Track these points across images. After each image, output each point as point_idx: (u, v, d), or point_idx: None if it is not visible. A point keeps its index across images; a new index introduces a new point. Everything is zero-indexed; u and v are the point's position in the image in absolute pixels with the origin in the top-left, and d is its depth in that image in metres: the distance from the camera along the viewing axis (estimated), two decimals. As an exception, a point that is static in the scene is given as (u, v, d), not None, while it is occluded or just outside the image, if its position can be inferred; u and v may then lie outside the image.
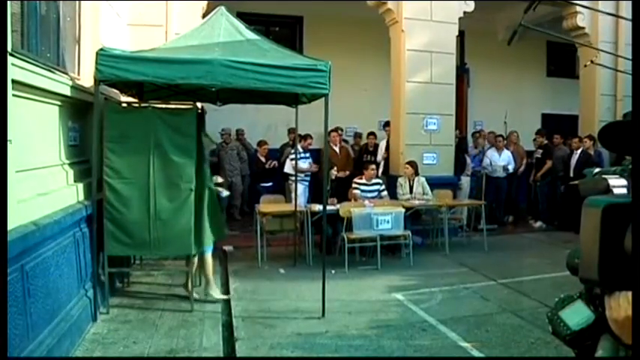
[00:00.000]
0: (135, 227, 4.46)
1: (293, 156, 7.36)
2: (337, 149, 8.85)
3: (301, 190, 7.96)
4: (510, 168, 9.05)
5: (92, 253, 4.31)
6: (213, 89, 5.04)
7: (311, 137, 8.42)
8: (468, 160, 8.90)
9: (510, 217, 9.54)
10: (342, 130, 9.81)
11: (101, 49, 4.23)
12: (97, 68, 4.14)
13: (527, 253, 7.24)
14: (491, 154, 9.18)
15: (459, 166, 8.55)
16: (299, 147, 8.11)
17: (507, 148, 9.34)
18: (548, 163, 9.04)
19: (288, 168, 8.16)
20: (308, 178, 8.38)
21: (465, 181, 8.70)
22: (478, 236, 7.76)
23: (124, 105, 5.10)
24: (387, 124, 8.96)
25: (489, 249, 7.30)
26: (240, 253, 6.86)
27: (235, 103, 6.43)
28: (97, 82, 4.23)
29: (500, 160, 9.09)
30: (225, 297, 5.05)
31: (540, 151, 9.23)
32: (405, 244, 6.64)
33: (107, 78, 4.23)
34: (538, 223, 9.21)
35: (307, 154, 8.47)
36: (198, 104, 5.06)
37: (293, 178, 7.30)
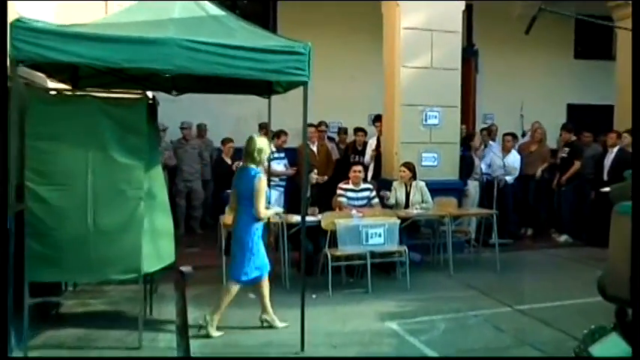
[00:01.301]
0: (68, 245, 4.36)
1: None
2: (315, 148, 8.89)
3: (275, 197, 7.94)
4: (509, 179, 9.08)
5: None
6: (168, 75, 4.98)
7: (285, 134, 8.44)
8: (477, 160, 8.95)
9: (529, 230, 9.60)
10: (326, 125, 9.81)
11: (17, 20, 4.01)
12: (12, 45, 3.93)
13: (549, 273, 7.32)
14: (492, 154, 9.26)
15: (465, 168, 8.60)
16: (272, 146, 8.08)
17: (518, 150, 9.48)
18: (577, 164, 9.03)
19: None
20: (283, 183, 8.37)
21: (473, 186, 8.72)
22: (489, 252, 7.80)
23: (53, 93, 4.96)
24: (377, 118, 9.03)
25: (503, 268, 7.34)
26: (201, 275, 6.68)
27: (196, 93, 6.40)
28: (14, 62, 4.02)
29: (504, 162, 9.15)
30: (285, 324, 5.16)
31: (567, 149, 9.21)
32: (400, 263, 6.64)
33: (28, 58, 4.04)
34: (563, 237, 9.26)
35: (282, 155, 8.44)
36: (149, 94, 4.99)
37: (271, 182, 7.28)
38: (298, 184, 7.93)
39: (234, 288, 5.06)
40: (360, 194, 7.19)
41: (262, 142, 5.08)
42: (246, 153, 5.06)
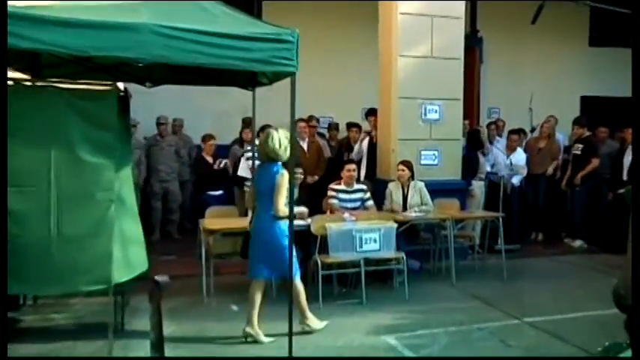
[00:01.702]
0: (29, 254, 4.30)
1: (250, 154, 7.31)
2: (305, 145, 8.88)
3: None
4: (516, 180, 9.10)
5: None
6: (141, 65, 4.93)
7: (273, 127, 8.34)
8: (482, 159, 8.95)
9: (540, 235, 9.62)
10: (317, 120, 9.79)
11: (-35, 1, 4.00)
12: (-44, 27, 3.93)
13: (561, 282, 7.33)
14: (497, 152, 9.28)
15: (470, 167, 8.61)
16: (257, 142, 8.06)
17: (525, 147, 9.52)
18: (594, 162, 9.00)
19: (243, 170, 8.13)
20: None
21: (478, 186, 8.73)
22: (495, 259, 7.84)
23: (11, 84, 4.80)
24: (370, 111, 9.03)
25: (510, 276, 7.36)
26: (178, 285, 6.66)
27: (172, 85, 6.36)
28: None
29: (510, 160, 9.17)
30: (323, 324, 5.44)
31: (580, 146, 9.18)
32: (398, 271, 6.65)
33: (-22, 43, 4.04)
34: (577, 242, 9.27)
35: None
36: (120, 85, 4.95)
37: (249, 183, 7.23)
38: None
39: (300, 284, 5.32)
40: (353, 195, 7.19)
41: (283, 137, 5.21)
42: (267, 150, 5.21)
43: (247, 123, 8.59)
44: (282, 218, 5.12)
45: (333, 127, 10.39)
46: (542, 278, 7.55)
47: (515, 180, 9.10)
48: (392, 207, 7.40)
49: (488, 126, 10.21)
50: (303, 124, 8.76)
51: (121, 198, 4.67)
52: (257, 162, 6.55)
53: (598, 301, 5.68)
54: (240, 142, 9.23)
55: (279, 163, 5.22)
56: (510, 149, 9.27)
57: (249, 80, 5.98)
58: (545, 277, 7.59)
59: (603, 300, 4.86)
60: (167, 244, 8.98)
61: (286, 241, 5.07)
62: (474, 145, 8.90)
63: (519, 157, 9.24)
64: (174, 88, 6.78)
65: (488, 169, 9.07)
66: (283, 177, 5.10)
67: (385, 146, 8.29)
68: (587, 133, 9.32)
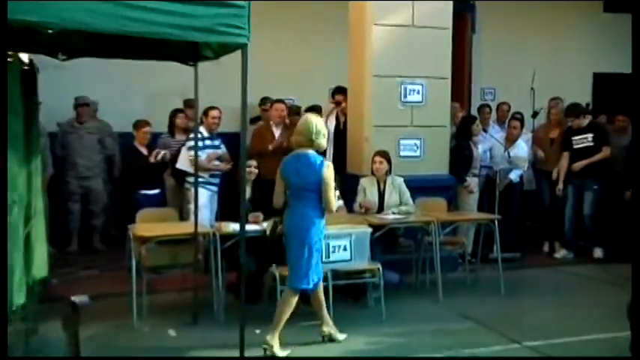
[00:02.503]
0: None
1: (192, 143, 7.25)
2: (278, 133, 8.83)
3: (205, 199, 7.87)
4: (514, 176, 9.18)
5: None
6: (52, 32, 4.86)
7: (218, 110, 8.37)
8: (476, 150, 8.89)
9: (546, 245, 9.70)
10: (281, 102, 9.74)
11: None
12: None
13: (569, 299, 7.37)
14: (493, 141, 9.31)
15: (461, 160, 8.60)
16: (202, 129, 7.97)
17: (535, 141, 9.58)
18: (605, 151, 9.01)
19: (183, 163, 8.09)
20: (216, 181, 8.28)
21: (472, 183, 8.71)
22: (490, 270, 7.89)
23: None
24: (338, 90, 9.03)
25: (508, 291, 7.42)
26: (101, 306, 6.57)
27: (93, 57, 6.24)
28: None
29: (508, 152, 9.18)
30: (343, 336, 5.84)
31: (589, 135, 9.13)
32: (373, 285, 6.67)
33: None
34: (598, 253, 9.27)
35: (217, 142, 8.35)
36: (24, 56, 4.85)
37: (191, 179, 7.25)
38: (239, 182, 7.85)
39: (294, 298, 5.62)
40: None
41: (321, 123, 5.70)
42: (304, 137, 5.63)
43: (189, 106, 8.54)
44: (331, 213, 5.73)
45: (293, 111, 10.33)
46: (546, 293, 7.63)
47: (514, 175, 9.15)
48: (364, 204, 7.42)
49: (480, 109, 10.34)
50: (281, 106, 8.85)
51: (24, 199, 4.59)
52: (202, 154, 6.50)
53: (613, 320, 5.81)
54: (171, 129, 9.15)
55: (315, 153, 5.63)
56: (510, 140, 9.22)
57: (190, 53, 5.94)
58: (551, 292, 7.68)
59: (619, 319, 4.95)
60: (88, 256, 8.88)
61: (320, 243, 5.65)
62: (464, 133, 8.92)
63: (520, 148, 9.26)
64: (95, 63, 6.70)
65: (485, 161, 9.16)
66: (330, 169, 5.59)
67: (357, 134, 8.31)
68: (589, 119, 9.30)
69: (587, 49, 12.31)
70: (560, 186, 9.19)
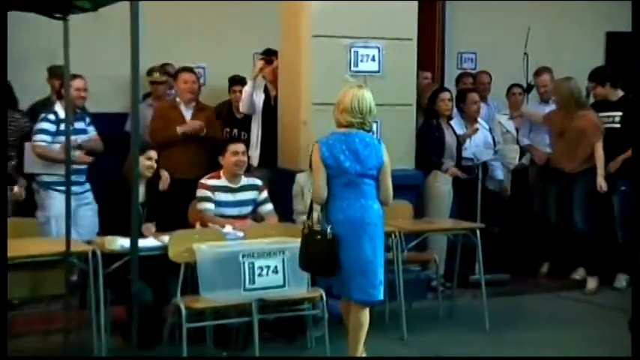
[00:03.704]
0: None
1: (46, 126, 7.42)
2: (189, 114, 8.78)
3: (59, 207, 7.74)
4: (500, 173, 9.41)
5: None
6: None
7: (82, 79, 8.24)
8: (449, 136, 9.01)
9: (545, 266, 9.82)
10: (191, 71, 9.67)
11: None
12: None
13: (574, 334, 7.47)
14: (481, 127, 9.44)
15: (431, 150, 8.69)
16: (57, 107, 8.11)
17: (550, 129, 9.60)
18: None
19: (28, 159, 8.01)
20: (82, 179, 8.29)
21: (444, 180, 8.78)
22: (470, 298, 8.14)
23: None
24: (267, 53, 9.03)
25: (494, 325, 7.52)
26: None
27: None
28: None
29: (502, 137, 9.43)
30: None
31: (617, 114, 9.21)
32: (314, 319, 6.79)
33: None
34: (622, 280, 9.28)
35: (82, 124, 8.28)
36: None
37: (43, 178, 7.53)
38: (125, 178, 7.75)
39: (366, 314, 6.09)
40: (239, 196, 7.32)
41: (371, 98, 6.09)
42: (352, 115, 6.04)
43: (55, 75, 8.45)
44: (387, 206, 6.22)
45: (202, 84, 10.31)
46: (545, 328, 7.67)
47: (499, 172, 9.31)
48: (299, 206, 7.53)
49: (459, 79, 10.64)
50: (191, 76, 8.80)
51: None
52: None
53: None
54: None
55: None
56: (514, 109, 9.53)
57: (57, 3, 5.84)
58: (551, 326, 7.72)
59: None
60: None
61: (383, 243, 6.18)
62: (433, 110, 8.97)
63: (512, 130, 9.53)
64: None
65: (469, 149, 9.22)
66: (386, 153, 6.06)
67: (291, 116, 8.41)
68: (620, 94, 9.40)
69: (597, 4, 12.43)
70: (603, 185, 9.00)
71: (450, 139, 8.97)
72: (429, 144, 8.78)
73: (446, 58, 12.01)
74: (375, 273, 5.97)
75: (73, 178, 7.80)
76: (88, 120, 8.35)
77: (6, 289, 4.58)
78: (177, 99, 8.84)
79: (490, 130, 9.74)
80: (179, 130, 8.40)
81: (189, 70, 8.92)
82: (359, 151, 5.90)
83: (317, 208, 6.13)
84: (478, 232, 7.66)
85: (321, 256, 6.07)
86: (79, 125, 8.17)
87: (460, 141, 9.11)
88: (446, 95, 9.12)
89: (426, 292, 8.34)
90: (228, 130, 9.31)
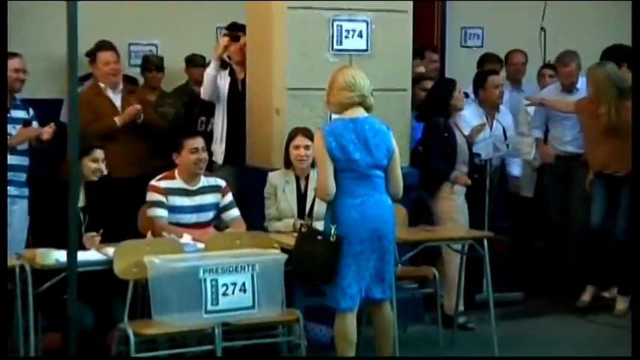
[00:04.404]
0: None
1: None
2: (118, 100, 8.89)
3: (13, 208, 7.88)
4: (516, 170, 9.63)
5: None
6: None
7: (19, 59, 8.30)
8: (459, 135, 8.88)
9: (589, 292, 9.71)
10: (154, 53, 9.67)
11: None
12: None
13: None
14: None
15: (439, 157, 8.61)
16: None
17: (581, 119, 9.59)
18: None
19: None
20: (22, 178, 8.27)
21: (458, 194, 8.67)
22: (477, 321, 8.21)
23: None
24: (232, 28, 9.04)
25: (505, 354, 7.57)
26: None
27: None
28: None
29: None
30: None
31: None
32: (289, 347, 6.88)
33: None
34: (622, 304, 9.27)
35: (21, 112, 8.34)
36: None
37: None
38: (61, 179, 7.75)
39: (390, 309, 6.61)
40: (198, 199, 7.35)
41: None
42: (351, 92, 6.28)
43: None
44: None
45: (153, 64, 10.29)
46: (564, 355, 7.76)
47: (516, 168, 9.27)
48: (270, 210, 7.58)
49: (482, 60, 10.62)
50: (112, 56, 8.83)
51: None
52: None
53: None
54: None
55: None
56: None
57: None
58: (571, 353, 7.78)
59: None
60: None
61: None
62: (439, 105, 8.90)
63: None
64: None
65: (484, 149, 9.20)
66: (394, 140, 6.40)
67: (262, 103, 8.45)
68: None
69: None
70: None
71: (460, 140, 8.78)
72: (436, 149, 8.60)
73: (447, 34, 12.11)
74: (391, 273, 6.43)
75: (11, 177, 7.95)
76: (31, 112, 8.40)
77: (6, 287, 4.86)
78: (101, 83, 8.82)
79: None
80: (118, 121, 8.47)
81: (109, 47, 8.97)
82: (369, 139, 6.09)
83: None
84: (485, 242, 7.66)
85: (323, 260, 6.22)
86: (17, 114, 8.21)
87: (469, 140, 8.96)
88: (459, 89, 8.94)
89: (423, 313, 8.36)
90: (204, 119, 9.41)
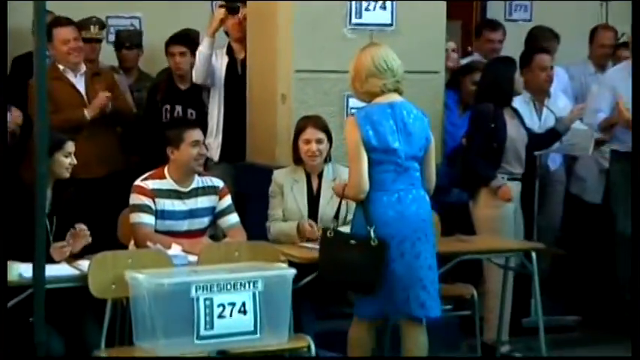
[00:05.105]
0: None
1: None
2: (82, 85, 9.03)
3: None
4: (552, 163, 9.75)
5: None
6: None
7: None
8: (513, 130, 8.80)
9: None
10: (101, 26, 9.76)
11: None
12: None
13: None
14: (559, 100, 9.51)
15: (480, 154, 8.63)
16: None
17: None
18: None
19: None
20: None
21: (499, 203, 8.63)
22: (523, 348, 8.28)
23: None
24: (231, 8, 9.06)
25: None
26: None
27: None
28: None
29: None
30: None
31: None
32: None
33: None
34: None
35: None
36: None
37: None
38: (29, 185, 7.82)
39: (425, 332, 6.69)
40: (190, 203, 7.41)
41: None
42: (384, 74, 6.47)
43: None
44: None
45: (128, 39, 10.36)
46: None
47: (553, 161, 9.41)
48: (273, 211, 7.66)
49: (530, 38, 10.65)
50: (71, 32, 8.90)
51: None
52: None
53: None
54: None
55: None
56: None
57: None
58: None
59: None
60: None
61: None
62: (493, 90, 8.85)
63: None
64: None
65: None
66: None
67: (265, 88, 8.54)
68: None
69: None
70: None
71: (514, 133, 8.69)
72: (478, 143, 8.53)
73: (488, 5, 12.26)
74: (435, 282, 6.45)
75: None
76: None
77: (6, 287, 5.06)
78: (60, 65, 8.88)
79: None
80: (88, 114, 8.54)
81: (67, 22, 9.00)
82: (408, 126, 6.27)
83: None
84: (534, 255, 7.67)
85: (365, 268, 6.37)
86: None
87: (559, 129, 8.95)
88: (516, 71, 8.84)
89: (458, 340, 8.33)
90: (168, 107, 9.46)
